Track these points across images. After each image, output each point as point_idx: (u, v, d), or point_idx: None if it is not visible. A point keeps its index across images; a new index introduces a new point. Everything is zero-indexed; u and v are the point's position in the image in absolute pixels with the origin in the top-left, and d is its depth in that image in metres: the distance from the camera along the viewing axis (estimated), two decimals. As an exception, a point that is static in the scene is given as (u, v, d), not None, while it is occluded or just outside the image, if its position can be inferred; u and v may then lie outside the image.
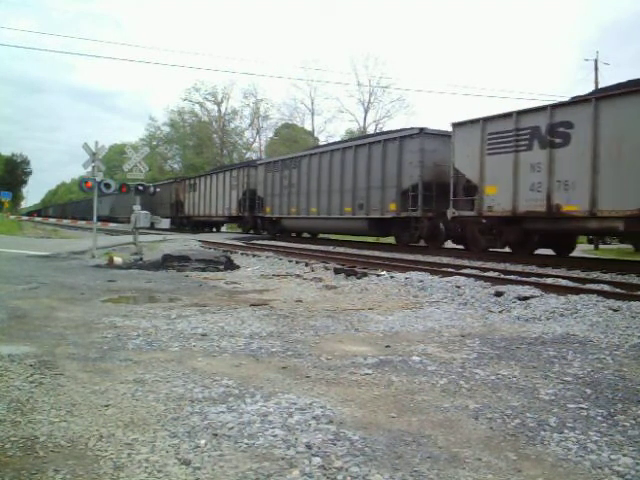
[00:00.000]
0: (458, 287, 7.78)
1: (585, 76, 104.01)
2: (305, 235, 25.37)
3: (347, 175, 18.60)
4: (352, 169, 18.30)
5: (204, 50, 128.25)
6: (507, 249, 14.02)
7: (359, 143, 18.53)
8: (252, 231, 27.01)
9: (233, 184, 27.44)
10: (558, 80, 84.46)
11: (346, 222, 19.06)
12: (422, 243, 16.54)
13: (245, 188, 26.12)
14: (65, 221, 51.52)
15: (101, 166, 13.93)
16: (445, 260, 12.75)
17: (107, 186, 14.00)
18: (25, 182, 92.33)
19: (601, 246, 25.87)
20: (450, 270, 9.39)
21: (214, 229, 33.78)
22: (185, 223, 35.80)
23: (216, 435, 2.66)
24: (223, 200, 28.54)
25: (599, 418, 3.00)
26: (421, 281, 8.42)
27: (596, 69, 32.71)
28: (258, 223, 25.95)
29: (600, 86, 31.27)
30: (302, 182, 21.33)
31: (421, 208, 15.44)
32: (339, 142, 21.58)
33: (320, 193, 20.09)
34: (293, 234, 24.71)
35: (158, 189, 35.03)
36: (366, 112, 49.17)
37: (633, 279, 9.15)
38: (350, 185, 18.37)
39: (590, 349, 4.52)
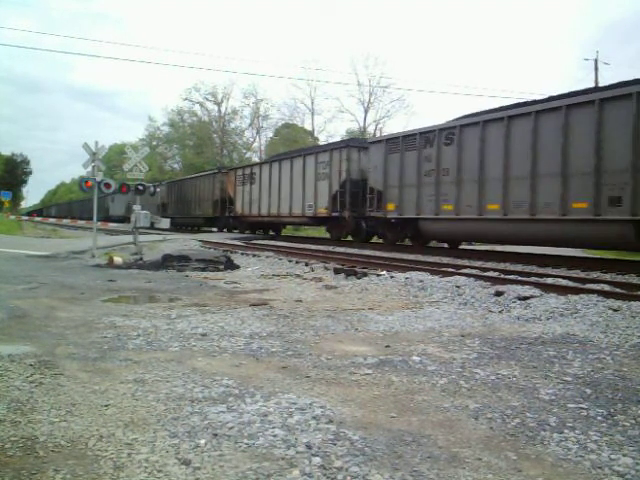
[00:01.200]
0: (458, 287, 7.78)
1: (585, 76, 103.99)
2: (436, 243, 17.84)
3: (575, 149, 11.24)
4: (589, 139, 10.91)
5: (204, 50, 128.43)
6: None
7: (607, 96, 10.80)
8: (351, 237, 19.86)
9: (321, 173, 19.62)
10: (558, 80, 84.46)
11: (575, 227, 11.42)
12: None
13: (344, 177, 18.42)
14: (65, 221, 51.42)
15: (101, 166, 13.94)
16: (445, 260, 12.75)
17: (107, 186, 14.01)
18: (25, 182, 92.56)
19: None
20: (450, 270, 9.39)
21: (271, 231, 26.99)
22: (234, 224, 28.19)
23: (216, 435, 2.66)
24: (303, 195, 20.70)
25: (599, 418, 3.00)
26: (421, 281, 8.43)
27: (596, 69, 32.81)
28: (362, 226, 18.81)
29: (600, 86, 31.23)
30: (466, 164, 13.77)
31: None
32: (548, 99, 12.75)
33: (509, 181, 12.59)
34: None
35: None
36: (366, 112, 49.17)
37: (633, 279, 9.15)
38: (586, 165, 10.97)
39: (590, 349, 4.52)
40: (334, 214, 18.94)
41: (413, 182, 15.51)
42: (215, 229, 30.61)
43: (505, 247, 15.91)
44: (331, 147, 20.29)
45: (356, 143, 19.47)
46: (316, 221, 21.33)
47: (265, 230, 27.00)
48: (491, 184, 13.10)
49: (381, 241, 18.62)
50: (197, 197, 31.79)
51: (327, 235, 26.47)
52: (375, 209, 17.02)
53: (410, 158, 15.65)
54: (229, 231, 28.48)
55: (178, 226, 36.03)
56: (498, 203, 12.82)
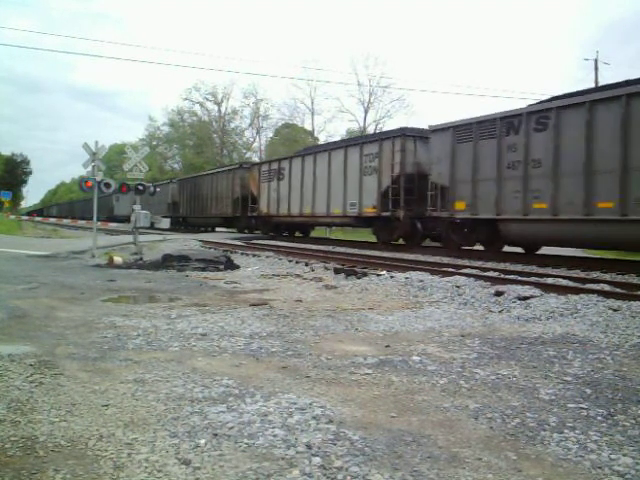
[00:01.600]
0: (458, 287, 7.78)
1: (585, 76, 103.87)
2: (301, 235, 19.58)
3: None
4: None
5: (204, 50, 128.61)
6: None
7: None
8: (402, 240, 17.55)
9: (368, 166, 17.21)
10: (559, 80, 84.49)
11: None
12: None
13: (398, 171, 15.98)
14: (65, 221, 51.36)
15: (101, 166, 13.95)
16: (445, 260, 12.75)
17: (107, 186, 14.02)
18: (25, 182, 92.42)
19: None
20: (450, 270, 9.38)
21: (297, 233, 24.71)
22: (256, 225, 25.67)
23: (216, 435, 2.66)
24: (344, 192, 18.32)
25: (599, 418, 3.00)
26: (421, 281, 8.42)
27: (596, 69, 32.86)
28: (417, 228, 16.28)
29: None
30: (566, 153, 11.36)
31: None
32: None
33: (628, 173, 10.30)
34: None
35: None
36: (366, 112, 49.22)
37: (633, 279, 9.15)
38: None
39: (590, 349, 4.52)
40: (384, 214, 16.41)
41: (491, 176, 12.95)
42: (234, 230, 27.83)
43: (504, 247, 15.71)
44: (381, 137, 17.40)
45: (411, 132, 16.63)
46: (361, 222, 18.63)
47: (291, 232, 24.60)
48: (602, 177, 10.67)
49: (437, 244, 16.36)
50: (214, 195, 28.90)
51: (337, 236, 25.39)
52: (439, 208, 14.50)
53: (487, 148, 13.11)
54: (250, 232, 25.92)
55: (192, 227, 33.86)
56: (613, 200, 10.42)
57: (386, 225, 16.97)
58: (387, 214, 16.31)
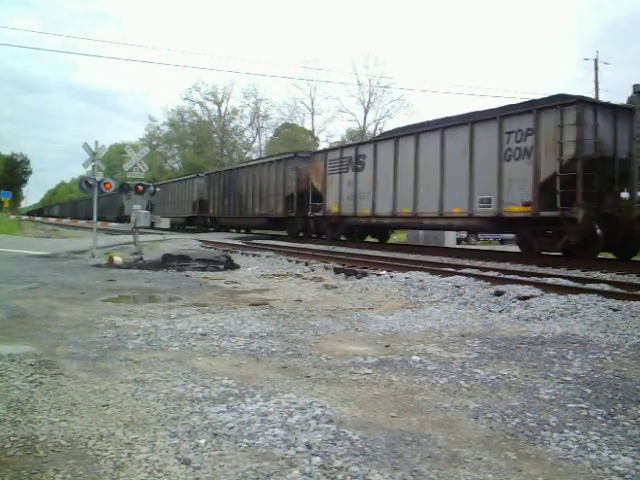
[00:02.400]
0: (458, 287, 7.78)
1: (585, 76, 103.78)
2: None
3: None
4: None
5: (205, 50, 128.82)
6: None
7: None
8: (560, 252, 12.33)
9: (514, 148, 12.42)
10: (559, 80, 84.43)
11: None
12: None
13: (571, 154, 11.22)
14: (65, 220, 51.30)
15: (101, 165, 13.96)
16: (445, 260, 12.75)
17: (107, 185, 14.01)
18: (25, 182, 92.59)
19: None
20: (450, 270, 9.38)
21: (370, 237, 20.29)
22: (316, 228, 21.24)
23: (216, 435, 2.66)
24: (470, 184, 13.55)
25: (599, 418, 3.00)
26: (421, 281, 8.42)
27: (596, 69, 32.89)
28: (597, 234, 11.79)
29: (600, 87, 31.05)
30: None
31: None
32: None
33: None
34: None
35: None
36: (366, 112, 49.24)
37: (633, 279, 9.15)
38: None
39: (590, 349, 4.52)
40: (545, 213, 11.74)
41: None
42: (285, 231, 23.32)
43: (505, 247, 15.75)
44: (538, 106, 12.27)
45: (589, 99, 12.31)
46: (499, 224, 13.75)
47: (362, 237, 20.16)
48: None
49: (611, 257, 12.49)
50: (257, 191, 24.37)
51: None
52: None
53: None
54: (308, 236, 21.54)
55: (225, 228, 29.41)
56: None
57: (542, 229, 12.46)
58: (553, 214, 11.57)
